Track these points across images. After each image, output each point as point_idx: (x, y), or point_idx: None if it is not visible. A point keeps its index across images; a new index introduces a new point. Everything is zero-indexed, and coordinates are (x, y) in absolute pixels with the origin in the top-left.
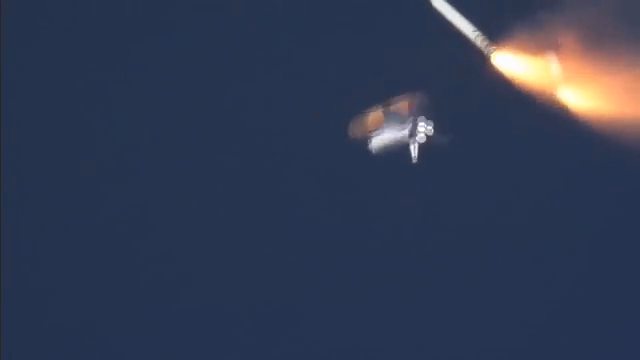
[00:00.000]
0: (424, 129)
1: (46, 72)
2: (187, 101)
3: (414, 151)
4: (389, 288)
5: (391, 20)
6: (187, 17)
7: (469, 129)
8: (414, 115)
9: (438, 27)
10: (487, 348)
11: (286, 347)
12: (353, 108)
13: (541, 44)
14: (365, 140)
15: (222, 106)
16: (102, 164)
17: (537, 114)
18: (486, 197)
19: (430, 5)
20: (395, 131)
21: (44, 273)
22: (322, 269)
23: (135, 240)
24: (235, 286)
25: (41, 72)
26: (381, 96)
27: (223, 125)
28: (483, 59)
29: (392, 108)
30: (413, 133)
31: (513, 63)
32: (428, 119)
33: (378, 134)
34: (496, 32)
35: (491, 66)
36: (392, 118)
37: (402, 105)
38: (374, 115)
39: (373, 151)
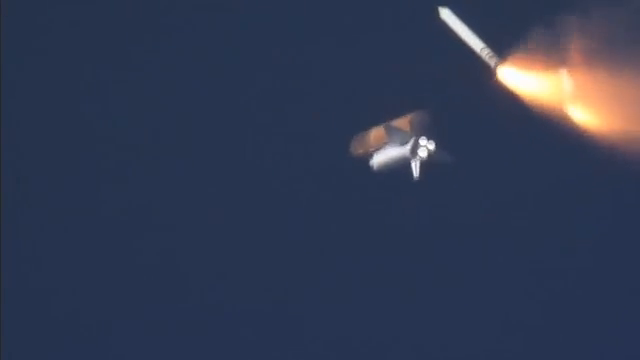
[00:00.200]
0: (426, 147)
1: (46, 72)
2: (187, 101)
3: (416, 169)
4: (388, 304)
5: (396, 34)
6: (187, 17)
7: (473, 145)
8: (416, 132)
9: (444, 41)
10: (487, 348)
11: (286, 347)
12: (355, 125)
13: (549, 58)
14: (366, 157)
15: (223, 110)
16: (102, 164)
17: (545, 131)
18: (490, 215)
19: (437, 17)
20: (397, 148)
21: (44, 273)
22: (322, 289)
23: (135, 240)
24: (235, 286)
25: (41, 72)
26: (383, 113)
27: (224, 137)
28: (490, 73)
29: (394, 125)
30: (415, 150)
31: (520, 78)
32: (430, 137)
33: (380, 151)
34: (503, 46)
35: (497, 80)
36: (394, 135)
37: (404, 122)
38: (376, 132)
39: (374, 168)
